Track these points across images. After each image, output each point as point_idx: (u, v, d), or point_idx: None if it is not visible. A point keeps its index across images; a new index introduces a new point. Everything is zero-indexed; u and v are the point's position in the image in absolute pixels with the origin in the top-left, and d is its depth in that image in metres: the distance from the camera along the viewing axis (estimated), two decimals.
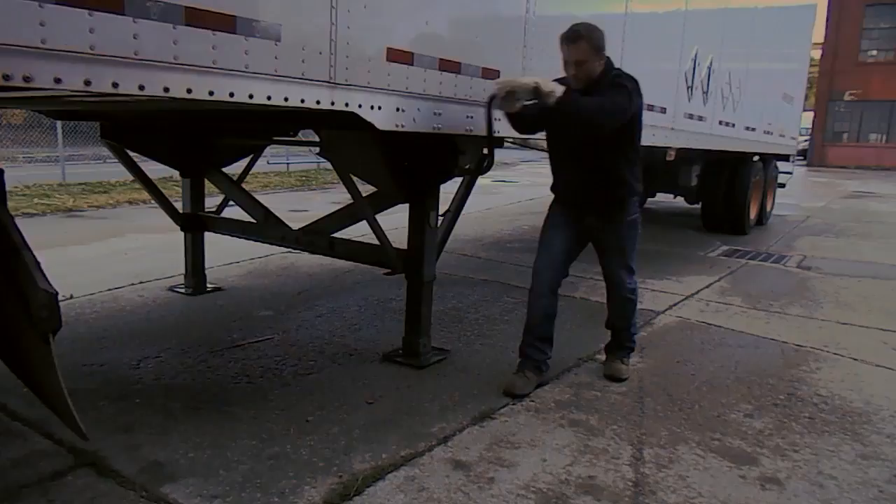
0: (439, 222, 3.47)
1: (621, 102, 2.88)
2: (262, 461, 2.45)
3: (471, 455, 2.56)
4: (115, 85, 1.74)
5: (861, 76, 27.89)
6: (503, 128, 3.31)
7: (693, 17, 5.32)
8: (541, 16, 3.39)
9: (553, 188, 3.34)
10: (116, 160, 4.45)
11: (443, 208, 3.51)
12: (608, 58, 3.04)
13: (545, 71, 3.46)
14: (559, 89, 2.77)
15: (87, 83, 1.69)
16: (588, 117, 2.83)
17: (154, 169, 5.04)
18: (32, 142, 14.80)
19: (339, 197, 10.42)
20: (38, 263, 1.87)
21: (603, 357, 3.56)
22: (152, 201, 8.93)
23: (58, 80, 1.63)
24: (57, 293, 1.84)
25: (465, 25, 3.05)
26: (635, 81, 2.99)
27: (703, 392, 3.30)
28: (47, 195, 9.42)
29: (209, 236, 4.78)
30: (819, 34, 27.90)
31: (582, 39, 2.90)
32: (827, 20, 28.46)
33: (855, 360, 3.86)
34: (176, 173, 4.76)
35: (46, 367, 1.91)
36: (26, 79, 1.57)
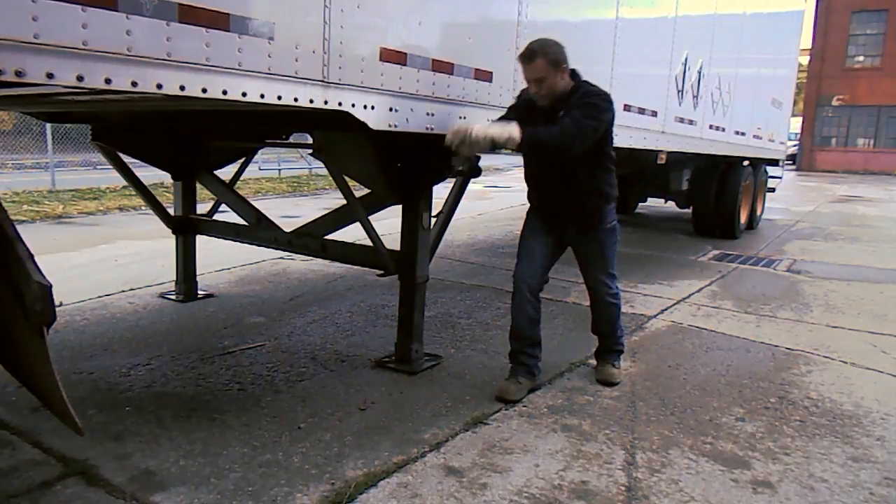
0: (432, 224, 3.47)
1: (589, 124, 2.86)
2: (254, 469, 2.43)
3: (463, 461, 2.55)
4: (107, 81, 1.74)
5: (848, 81, 28.20)
6: None
7: (683, 23, 5.36)
8: (533, 19, 3.40)
9: (529, 198, 3.35)
10: (107, 166, 4.43)
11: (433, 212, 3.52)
12: (574, 70, 2.99)
13: None
14: (515, 132, 2.77)
15: (80, 79, 1.68)
16: (556, 145, 2.84)
17: (145, 175, 5.01)
18: (22, 148, 14.70)
19: (330, 203, 10.40)
20: (31, 255, 1.85)
21: (595, 361, 3.57)
22: (143, 207, 8.94)
23: (50, 76, 1.62)
24: (51, 285, 1.82)
25: (458, 27, 3.06)
26: (605, 96, 2.96)
27: (694, 396, 3.31)
28: (37, 202, 9.36)
29: (200, 242, 4.76)
30: (807, 40, 28.20)
31: (537, 56, 2.85)
32: (814, 26, 28.77)
33: (845, 363, 3.89)
34: (167, 179, 4.74)
35: (41, 361, 1.89)
36: (18, 73, 1.56)
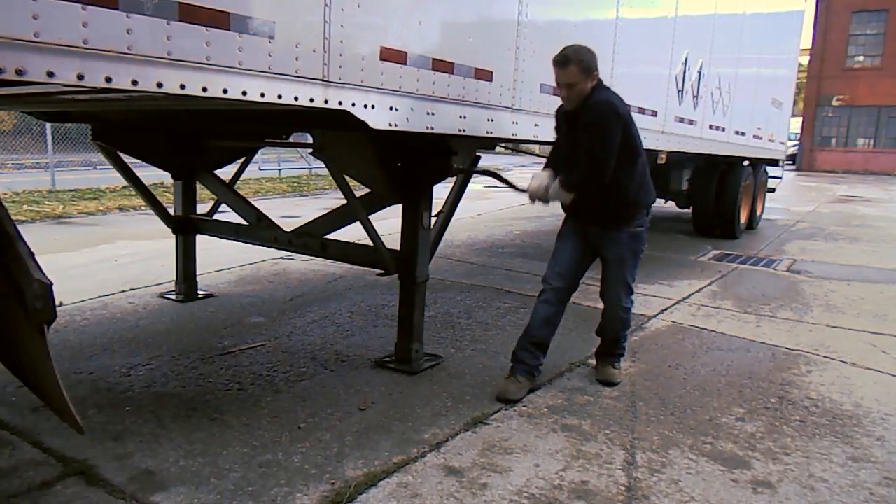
0: (432, 224, 3.47)
1: (600, 150, 2.95)
2: (254, 469, 2.43)
3: (463, 461, 2.55)
4: (108, 79, 1.74)
5: (848, 81, 28.20)
6: (495, 129, 3.33)
7: (683, 23, 5.36)
8: (533, 19, 3.40)
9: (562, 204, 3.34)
10: (107, 166, 4.44)
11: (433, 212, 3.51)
12: (599, 79, 3.04)
13: (536, 72, 3.48)
14: (567, 197, 3.07)
15: (80, 77, 1.69)
16: (597, 180, 2.99)
17: (145, 175, 5.01)
18: (21, 148, 14.70)
19: (330, 203, 10.40)
20: (32, 254, 1.86)
21: (595, 361, 3.57)
22: (143, 207, 8.94)
23: (51, 74, 1.63)
24: (52, 284, 1.82)
25: (458, 26, 3.06)
26: (611, 104, 2.97)
27: (694, 396, 3.31)
28: (37, 202, 9.35)
29: (200, 242, 4.76)
30: (807, 40, 28.19)
31: (571, 63, 2.92)
32: (814, 26, 28.76)
33: (845, 363, 3.89)
34: (167, 179, 4.73)
35: (41, 359, 1.89)
36: (19, 72, 1.57)
